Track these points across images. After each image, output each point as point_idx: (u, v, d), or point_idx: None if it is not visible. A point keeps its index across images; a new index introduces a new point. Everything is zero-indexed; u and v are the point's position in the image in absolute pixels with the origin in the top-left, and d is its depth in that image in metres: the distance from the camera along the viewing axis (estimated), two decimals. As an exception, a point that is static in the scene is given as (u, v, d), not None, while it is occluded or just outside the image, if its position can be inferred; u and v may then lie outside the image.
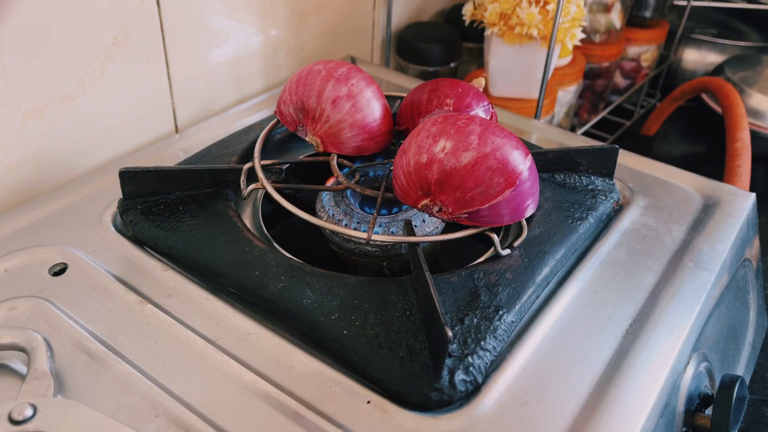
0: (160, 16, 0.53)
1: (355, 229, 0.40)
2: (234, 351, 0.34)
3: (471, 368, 0.32)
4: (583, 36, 0.67)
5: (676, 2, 0.94)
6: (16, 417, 0.29)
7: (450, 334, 0.29)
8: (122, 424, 0.29)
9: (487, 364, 0.33)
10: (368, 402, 0.31)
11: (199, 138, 0.54)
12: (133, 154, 0.53)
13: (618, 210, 0.46)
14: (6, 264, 0.39)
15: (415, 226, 0.40)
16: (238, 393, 0.32)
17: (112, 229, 0.42)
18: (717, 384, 0.41)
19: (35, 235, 0.41)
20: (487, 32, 0.67)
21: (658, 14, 0.89)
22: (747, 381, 0.38)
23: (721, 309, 0.42)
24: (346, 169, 0.45)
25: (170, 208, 0.42)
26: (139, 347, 0.34)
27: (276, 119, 0.47)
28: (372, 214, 0.41)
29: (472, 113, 0.42)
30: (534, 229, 0.41)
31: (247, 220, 0.44)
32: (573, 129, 0.86)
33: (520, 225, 0.41)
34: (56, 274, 0.38)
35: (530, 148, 0.49)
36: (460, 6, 0.76)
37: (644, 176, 0.50)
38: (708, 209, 0.47)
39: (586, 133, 0.85)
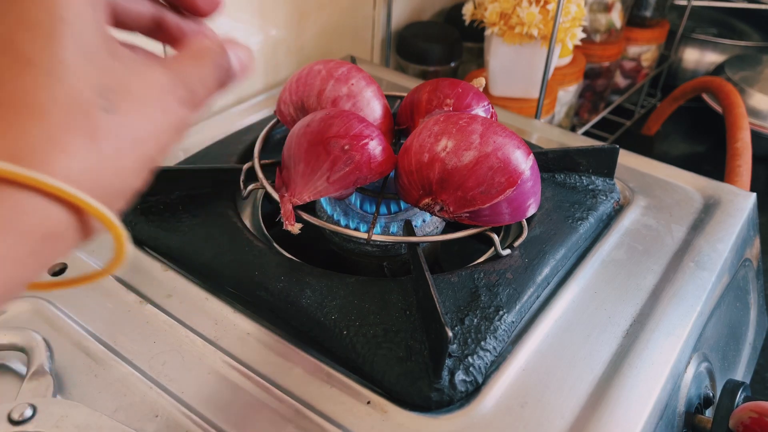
0: (160, 15, 0.52)
1: (355, 229, 0.40)
2: (234, 351, 0.34)
3: (471, 368, 0.32)
4: (583, 36, 0.67)
5: (676, 2, 0.94)
6: (16, 417, 0.29)
7: (450, 334, 0.29)
8: (122, 424, 0.29)
9: (487, 364, 0.32)
10: (368, 402, 0.31)
11: (199, 138, 0.54)
12: (133, 154, 0.52)
13: (618, 210, 0.46)
14: (5, 264, 0.39)
15: (415, 226, 0.40)
16: (238, 393, 0.32)
17: (112, 229, 0.42)
18: (718, 384, 0.41)
19: (35, 234, 0.41)
20: (487, 32, 0.67)
21: (659, 14, 0.89)
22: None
23: (721, 309, 0.42)
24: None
25: (170, 208, 0.42)
26: (139, 347, 0.34)
27: (276, 119, 0.47)
28: (372, 213, 0.41)
29: (472, 113, 0.41)
30: (534, 229, 0.41)
31: (247, 220, 0.44)
32: (573, 129, 0.85)
33: (520, 225, 0.41)
34: (56, 274, 0.38)
35: (531, 147, 0.49)
36: (460, 6, 0.76)
37: (645, 176, 0.50)
38: (708, 209, 0.46)
39: (586, 133, 0.85)
